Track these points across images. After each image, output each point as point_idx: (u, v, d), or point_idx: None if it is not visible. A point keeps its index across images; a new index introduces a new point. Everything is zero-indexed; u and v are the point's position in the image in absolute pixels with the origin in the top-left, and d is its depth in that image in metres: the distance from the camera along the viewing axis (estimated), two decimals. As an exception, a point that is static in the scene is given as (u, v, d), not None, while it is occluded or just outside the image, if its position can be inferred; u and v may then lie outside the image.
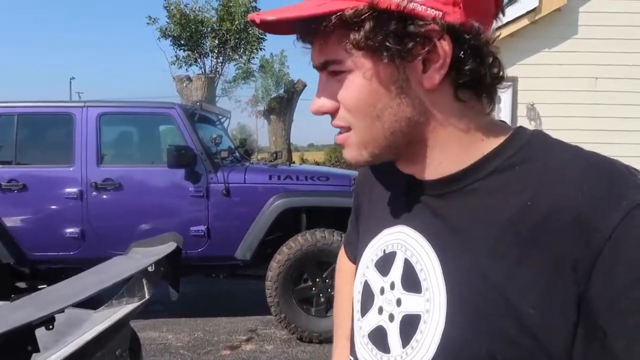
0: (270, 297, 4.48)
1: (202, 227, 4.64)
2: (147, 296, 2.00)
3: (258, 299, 4.94)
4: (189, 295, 5.95)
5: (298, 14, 0.62)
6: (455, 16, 0.61)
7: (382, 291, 0.73)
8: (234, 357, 4.31)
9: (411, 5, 0.60)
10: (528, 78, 6.42)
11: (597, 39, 6.41)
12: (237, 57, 16.14)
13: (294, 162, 11.06)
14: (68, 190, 4.62)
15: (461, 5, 0.61)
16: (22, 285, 4.94)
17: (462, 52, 0.62)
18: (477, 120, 0.67)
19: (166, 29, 14.96)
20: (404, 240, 0.71)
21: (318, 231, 4.51)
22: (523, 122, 6.39)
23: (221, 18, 15.03)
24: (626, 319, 0.53)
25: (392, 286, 0.71)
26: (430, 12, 0.60)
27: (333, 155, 19.27)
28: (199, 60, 15.56)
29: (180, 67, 15.54)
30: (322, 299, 4.55)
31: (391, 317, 0.70)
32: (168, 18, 14.89)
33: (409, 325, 0.67)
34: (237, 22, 14.79)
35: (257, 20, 0.63)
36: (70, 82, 44.61)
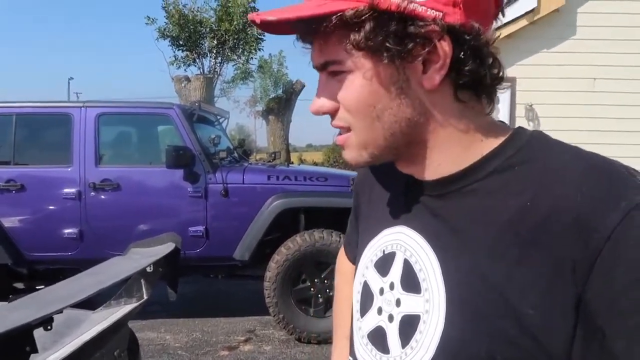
0: (268, 297, 4.48)
1: (201, 228, 4.64)
2: (145, 297, 2.00)
3: (256, 300, 4.94)
4: (187, 295, 5.95)
5: (298, 14, 0.62)
6: (455, 17, 0.61)
7: (381, 291, 0.73)
8: (233, 358, 4.31)
9: (411, 6, 0.60)
10: (526, 79, 6.43)
11: (596, 40, 6.42)
12: (236, 57, 16.13)
13: (292, 163, 11.06)
14: (66, 190, 4.61)
15: (461, 6, 0.61)
16: (20, 285, 4.93)
17: (462, 53, 0.62)
18: (477, 120, 0.68)
19: (165, 29, 14.94)
20: (404, 241, 0.71)
21: (316, 232, 4.51)
22: (521, 122, 6.39)
23: (220, 18, 15.02)
24: (626, 319, 0.53)
25: (392, 286, 0.71)
26: (431, 13, 0.60)
27: (331, 155, 19.28)
28: (197, 60, 15.55)
29: (179, 67, 15.54)
30: (321, 300, 4.54)
31: (390, 318, 0.70)
32: (166, 18, 14.89)
33: (409, 326, 0.67)
34: (235, 23, 14.78)
35: (258, 21, 0.63)
36: (69, 82, 44.48)
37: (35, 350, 1.33)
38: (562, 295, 0.56)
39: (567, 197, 0.58)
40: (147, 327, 4.89)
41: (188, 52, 15.35)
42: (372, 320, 0.73)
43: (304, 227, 4.72)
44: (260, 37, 15.55)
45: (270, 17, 0.63)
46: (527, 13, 6.40)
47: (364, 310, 0.76)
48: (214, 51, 15.55)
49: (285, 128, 17.88)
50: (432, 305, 0.65)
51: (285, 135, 17.84)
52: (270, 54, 22.43)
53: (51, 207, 4.65)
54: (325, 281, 4.51)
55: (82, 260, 4.45)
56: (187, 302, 5.76)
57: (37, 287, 4.57)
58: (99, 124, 4.71)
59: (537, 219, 0.59)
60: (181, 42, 15.11)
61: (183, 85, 13.83)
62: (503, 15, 0.69)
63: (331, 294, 4.46)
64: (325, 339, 4.44)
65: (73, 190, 4.61)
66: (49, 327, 1.40)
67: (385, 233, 0.75)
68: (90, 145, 4.66)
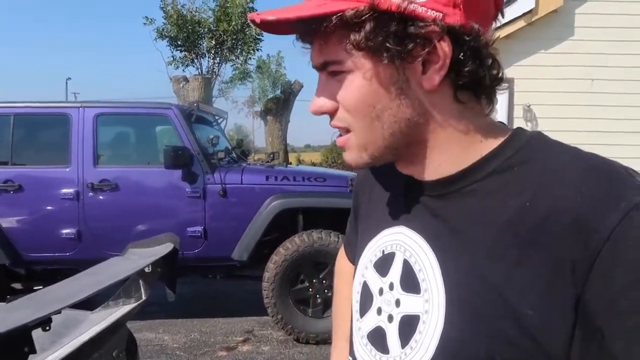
0: (267, 298, 4.48)
1: (199, 228, 4.64)
2: (143, 297, 2.00)
3: (255, 300, 4.94)
4: (185, 296, 5.95)
5: (298, 14, 0.62)
6: (455, 18, 0.61)
7: (380, 292, 0.73)
8: (231, 358, 4.30)
9: (411, 7, 0.60)
10: (524, 79, 6.43)
11: (594, 41, 6.42)
12: (234, 57, 16.14)
13: (290, 163, 11.06)
14: (64, 190, 4.61)
15: (461, 7, 0.61)
16: (17, 286, 4.92)
17: (461, 54, 0.62)
18: (477, 121, 0.68)
19: (163, 29, 14.94)
20: (403, 241, 0.71)
21: (315, 232, 4.51)
22: (519, 123, 6.40)
23: (218, 19, 15.02)
24: (625, 320, 0.53)
25: (391, 287, 0.71)
26: (431, 14, 0.60)
27: (330, 156, 19.30)
28: (195, 60, 15.55)
29: (177, 67, 15.55)
30: (319, 300, 4.54)
31: (390, 318, 0.70)
32: (165, 19, 14.88)
33: (408, 326, 0.67)
34: (234, 23, 14.79)
35: (258, 20, 0.63)
36: (67, 83, 44.33)
37: (33, 351, 1.33)
38: (561, 296, 0.56)
39: (566, 198, 0.58)
40: (145, 328, 4.89)
41: (186, 53, 15.35)
42: (371, 320, 0.73)
43: (303, 227, 4.72)
44: (258, 37, 15.56)
45: (270, 17, 0.63)
46: (525, 14, 6.41)
47: (363, 311, 0.76)
48: (212, 51, 15.56)
49: (283, 128, 17.90)
50: (431, 306, 0.65)
51: (283, 135, 17.87)
52: (268, 55, 22.45)
53: (49, 208, 4.65)
54: (324, 282, 4.51)
55: (80, 260, 4.44)
56: (185, 302, 5.75)
57: (35, 288, 4.56)
58: (97, 124, 4.71)
59: (537, 220, 0.59)
60: (179, 43, 15.11)
61: (181, 85, 13.83)
62: (502, 16, 0.69)
63: (329, 294, 4.46)
64: (324, 340, 4.44)
65: (71, 190, 4.61)
66: (47, 328, 1.40)
67: (385, 233, 0.75)
68: (89, 146, 4.66)
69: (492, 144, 0.67)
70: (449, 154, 0.68)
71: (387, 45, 0.61)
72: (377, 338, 0.72)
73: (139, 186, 4.76)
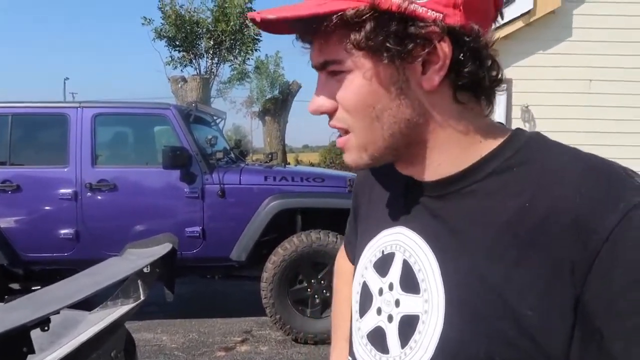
0: (265, 298, 4.48)
1: (197, 228, 4.63)
2: (142, 297, 2.00)
3: (253, 300, 4.93)
4: (183, 296, 5.94)
5: (299, 13, 0.62)
6: (455, 18, 0.61)
7: (380, 292, 0.73)
8: (229, 359, 4.30)
9: (412, 7, 0.60)
10: (522, 80, 6.45)
11: (591, 42, 6.43)
12: (232, 58, 16.13)
13: (289, 163, 11.06)
14: (62, 191, 4.60)
15: (461, 7, 0.61)
16: (15, 286, 4.91)
17: (461, 55, 0.62)
18: (476, 122, 0.68)
19: (161, 29, 14.92)
20: (403, 242, 0.71)
21: (313, 232, 4.51)
22: (517, 124, 6.41)
23: (216, 19, 15.01)
24: (624, 320, 0.53)
25: (391, 287, 0.71)
26: (431, 14, 0.60)
27: (328, 156, 19.28)
28: (194, 61, 15.53)
29: (175, 67, 15.52)
30: (318, 300, 4.54)
31: (390, 318, 0.70)
32: (163, 19, 14.86)
33: (408, 326, 0.67)
34: (232, 23, 14.77)
35: (258, 19, 0.63)
36: (64, 83, 44.18)
37: (32, 351, 1.33)
38: (560, 297, 0.56)
39: (566, 199, 0.58)
40: (143, 328, 4.88)
41: (184, 53, 15.33)
42: (371, 320, 0.74)
43: (301, 227, 4.72)
44: (256, 37, 15.55)
45: (271, 16, 0.63)
46: (523, 15, 6.41)
47: (363, 311, 0.76)
48: (211, 52, 15.54)
49: (281, 129, 17.91)
50: (431, 306, 0.65)
51: (281, 136, 17.87)
52: (266, 55, 22.40)
53: (47, 208, 4.64)
54: (322, 282, 4.51)
55: (78, 260, 4.44)
56: (183, 302, 5.75)
57: (33, 288, 4.55)
58: (96, 124, 4.70)
59: (536, 220, 0.59)
60: (178, 43, 15.09)
61: (179, 85, 13.82)
62: (502, 17, 0.69)
63: (328, 294, 4.46)
64: (322, 340, 4.44)
65: (69, 190, 4.60)
66: (46, 328, 1.40)
67: (385, 234, 0.75)
68: (87, 146, 4.65)
69: (492, 144, 0.67)
70: (448, 154, 0.68)
71: (388, 45, 0.61)
72: (377, 338, 0.72)
73: (137, 186, 4.76)
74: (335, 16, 0.61)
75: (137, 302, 1.98)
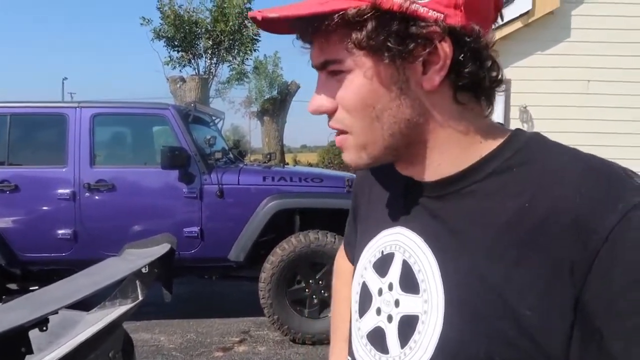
0: (263, 298, 4.48)
1: (196, 229, 4.63)
2: (140, 298, 1.99)
3: (251, 301, 4.93)
4: (181, 296, 5.94)
5: (300, 12, 0.62)
6: (456, 19, 0.61)
7: (380, 292, 0.73)
8: (227, 359, 4.30)
9: (413, 7, 0.60)
10: (521, 81, 6.45)
11: (590, 42, 6.44)
12: (231, 58, 16.12)
13: (287, 164, 11.05)
14: (61, 191, 4.59)
15: (462, 8, 0.61)
16: (13, 286, 4.90)
17: (462, 55, 0.62)
18: (476, 122, 0.68)
19: (160, 30, 14.91)
20: (402, 242, 0.71)
21: (311, 232, 4.51)
22: (515, 124, 6.42)
23: (215, 19, 15.00)
24: (624, 320, 0.53)
25: (390, 287, 0.71)
26: (432, 14, 0.60)
27: (326, 156, 19.28)
28: (192, 61, 15.52)
29: (174, 68, 15.50)
30: (316, 301, 4.54)
31: (389, 318, 0.70)
32: (161, 19, 14.85)
33: (407, 326, 0.67)
34: (231, 23, 14.77)
35: (259, 18, 0.63)
36: (63, 83, 44.21)
37: (30, 351, 1.33)
38: (560, 297, 0.56)
39: (565, 199, 0.58)
40: (141, 328, 4.88)
41: (183, 53, 15.31)
42: (371, 320, 0.74)
43: (299, 228, 4.72)
44: (255, 38, 15.54)
45: (272, 14, 0.63)
46: (521, 15, 6.42)
47: (362, 311, 0.76)
48: (209, 52, 15.53)
49: (280, 129, 17.91)
50: (430, 306, 0.65)
51: (279, 136, 17.87)
52: (265, 55, 22.41)
53: (45, 208, 4.63)
54: (320, 282, 4.51)
55: (76, 261, 4.43)
56: (181, 303, 5.74)
57: (30, 288, 4.55)
58: (94, 124, 4.70)
59: (535, 221, 0.59)
60: (176, 43, 15.08)
61: (178, 85, 13.80)
62: (502, 19, 0.69)
63: (326, 294, 4.47)
64: (320, 340, 4.44)
65: (67, 190, 4.59)
66: (44, 328, 1.40)
67: (384, 234, 0.75)
68: (85, 146, 4.65)
69: (492, 145, 0.67)
70: (448, 154, 0.68)
71: (389, 44, 0.61)
72: (377, 338, 0.72)
73: (136, 186, 4.75)
74: (336, 15, 0.61)
75: (135, 303, 1.98)
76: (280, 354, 4.38)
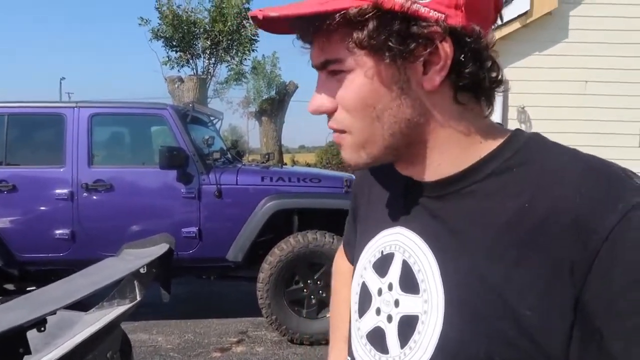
0: (261, 298, 4.48)
1: (194, 229, 4.62)
2: (138, 298, 1.99)
3: (249, 301, 4.93)
4: (179, 297, 5.93)
5: (302, 11, 0.62)
6: (457, 19, 0.61)
7: (379, 292, 0.73)
8: (225, 359, 4.29)
9: (415, 7, 0.60)
10: (519, 81, 6.46)
11: (588, 43, 6.46)
12: (229, 58, 16.10)
13: (285, 164, 11.05)
14: (58, 191, 4.58)
15: (463, 8, 0.61)
16: (10, 287, 4.89)
17: (462, 55, 0.62)
18: (476, 122, 0.68)
19: (158, 30, 14.89)
20: (402, 242, 0.71)
21: (310, 233, 4.51)
22: (513, 125, 6.43)
23: (214, 19, 14.99)
24: (624, 320, 0.53)
25: (390, 287, 0.71)
26: (433, 14, 0.60)
27: (324, 157, 19.29)
28: (191, 61, 15.50)
29: (172, 68, 15.48)
30: (314, 301, 4.54)
31: (389, 318, 0.70)
32: (160, 19, 14.83)
33: (407, 326, 0.67)
34: (229, 24, 14.75)
35: (260, 17, 0.63)
36: (61, 83, 44.08)
37: (28, 352, 1.33)
38: (560, 297, 0.56)
39: (566, 199, 0.58)
40: (139, 329, 4.87)
41: (182, 53, 15.30)
42: (370, 320, 0.74)
43: (298, 228, 4.72)
44: (254, 38, 15.54)
45: (273, 13, 0.63)
46: (519, 16, 6.44)
47: (362, 311, 0.76)
48: (208, 52, 15.51)
49: (278, 129, 17.90)
50: (430, 306, 0.65)
51: (278, 136, 17.86)
52: (263, 55, 22.44)
53: (43, 208, 4.62)
54: (319, 282, 4.51)
55: (74, 261, 4.42)
56: (179, 303, 5.73)
57: (28, 289, 4.54)
58: (92, 124, 4.69)
59: (535, 221, 0.59)
60: (175, 43, 15.06)
61: (176, 85, 13.78)
62: (502, 20, 0.69)
63: (324, 295, 4.47)
64: (318, 340, 4.44)
65: (65, 190, 4.58)
66: (42, 329, 1.40)
67: (384, 234, 0.75)
68: (83, 146, 4.64)
69: (491, 145, 0.67)
70: (448, 154, 0.68)
71: (390, 44, 0.61)
72: (377, 338, 0.72)
73: (134, 187, 4.74)
74: (338, 15, 0.61)
75: (133, 303, 1.97)
76: (278, 355, 4.37)
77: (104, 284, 1.68)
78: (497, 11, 0.68)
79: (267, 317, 4.53)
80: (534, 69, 6.57)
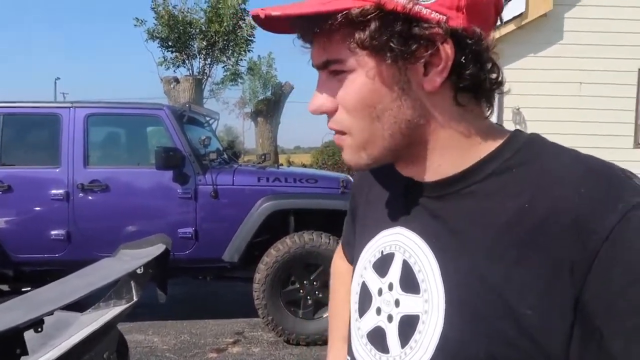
0: (257, 299, 4.47)
1: (190, 229, 4.62)
2: (135, 298, 1.99)
3: (245, 302, 4.93)
4: (175, 297, 5.92)
5: (304, 11, 0.62)
6: (458, 21, 0.61)
7: (379, 292, 0.73)
8: (221, 360, 4.29)
9: (417, 8, 0.60)
10: (514, 83, 6.49)
11: (582, 45, 6.49)
12: (225, 58, 16.07)
13: (281, 165, 11.04)
14: (54, 191, 4.57)
15: (465, 10, 0.61)
16: (5, 288, 4.87)
17: (463, 57, 0.63)
18: (476, 123, 0.68)
19: (154, 30, 14.85)
20: (402, 242, 0.72)
21: (306, 233, 4.50)
22: (509, 126, 6.43)
23: (209, 20, 14.96)
24: (624, 320, 0.53)
25: (390, 287, 0.72)
26: (435, 16, 0.61)
27: (320, 157, 19.27)
28: (186, 61, 15.46)
29: (168, 68, 15.44)
30: (310, 302, 4.54)
31: (390, 318, 0.70)
32: (156, 19, 14.80)
33: (408, 326, 0.68)
34: (225, 24, 14.73)
35: (262, 16, 0.63)
36: (55, 83, 43.84)
37: (25, 353, 1.32)
38: (560, 296, 0.57)
39: (566, 199, 0.58)
40: (135, 330, 4.86)
41: (177, 54, 15.26)
42: (371, 320, 0.74)
43: (294, 229, 4.72)
44: (249, 38, 15.51)
45: (276, 12, 0.63)
46: (515, 18, 6.46)
47: (362, 311, 0.76)
48: (204, 52, 15.49)
49: (273, 130, 17.90)
50: (431, 306, 0.65)
51: (273, 137, 17.86)
52: (259, 56, 22.40)
53: (39, 208, 4.60)
54: (315, 283, 4.51)
55: (70, 261, 4.40)
56: (175, 304, 5.72)
57: (23, 290, 4.52)
58: (88, 124, 4.67)
59: (535, 221, 0.59)
60: (170, 44, 15.02)
61: (172, 86, 13.76)
62: (502, 22, 0.70)
63: (320, 295, 4.47)
64: (314, 341, 4.44)
65: (61, 191, 4.57)
66: (39, 329, 1.39)
67: (384, 234, 0.76)
68: (79, 146, 4.62)
69: (491, 145, 0.67)
70: (449, 155, 0.68)
71: (391, 45, 0.61)
72: (377, 338, 0.72)
73: (130, 187, 4.73)
74: (340, 15, 0.61)
75: (130, 304, 1.97)
76: (274, 355, 4.37)
77: (100, 285, 1.68)
78: (498, 13, 0.68)
79: (263, 318, 4.52)
80: (529, 70, 6.60)
